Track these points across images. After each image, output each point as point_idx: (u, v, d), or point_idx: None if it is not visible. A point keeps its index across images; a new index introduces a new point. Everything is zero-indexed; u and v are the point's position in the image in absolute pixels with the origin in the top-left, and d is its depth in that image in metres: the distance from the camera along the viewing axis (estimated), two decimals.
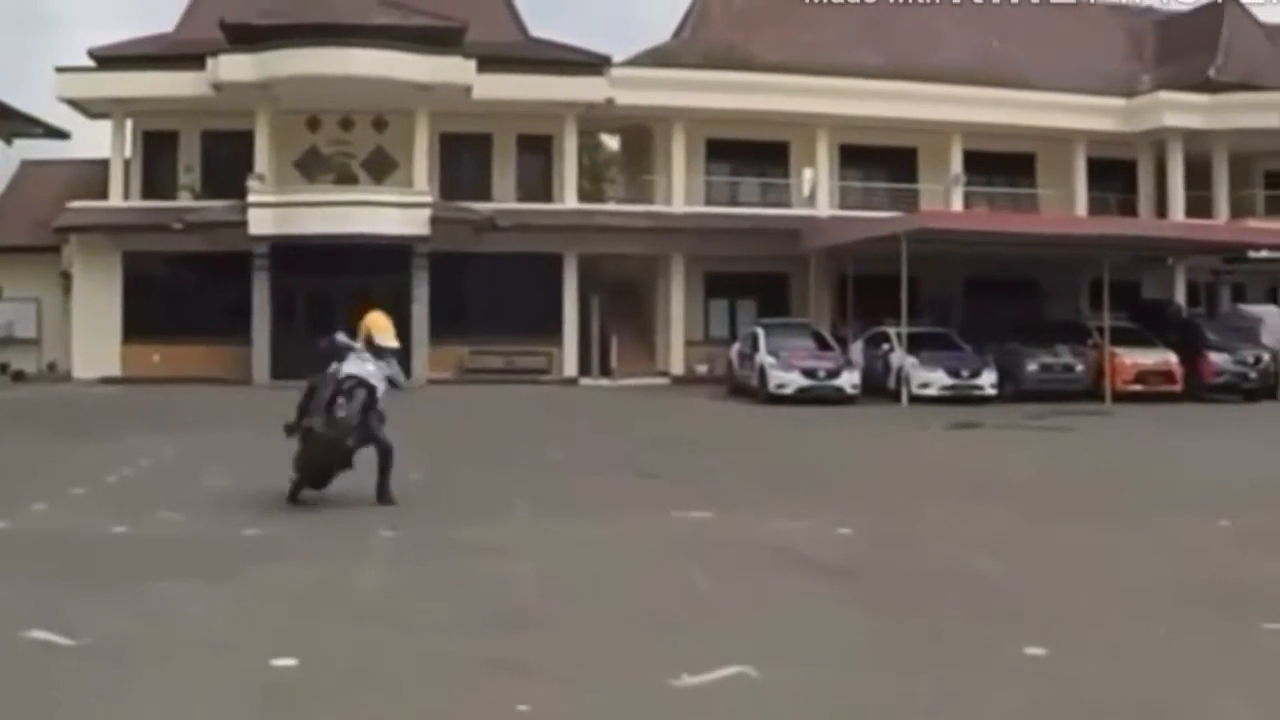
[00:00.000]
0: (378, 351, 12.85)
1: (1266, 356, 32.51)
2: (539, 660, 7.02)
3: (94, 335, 34.62)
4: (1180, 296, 38.97)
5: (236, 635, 7.48)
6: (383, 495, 12.54)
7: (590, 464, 16.87)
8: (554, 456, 17.47)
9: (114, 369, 34.41)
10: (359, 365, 12.60)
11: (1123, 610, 8.47)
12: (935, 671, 6.97)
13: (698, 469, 16.36)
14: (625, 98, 36.76)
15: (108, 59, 35.56)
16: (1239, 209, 40.56)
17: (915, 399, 29.50)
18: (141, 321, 34.69)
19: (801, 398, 29.07)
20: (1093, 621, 8.11)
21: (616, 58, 37.77)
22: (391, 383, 12.81)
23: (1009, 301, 35.78)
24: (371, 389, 12.49)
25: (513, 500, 12.93)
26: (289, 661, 6.80)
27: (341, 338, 13.03)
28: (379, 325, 13.10)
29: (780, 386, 29.53)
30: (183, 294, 34.67)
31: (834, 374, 29.90)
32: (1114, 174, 41.42)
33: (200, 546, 10.28)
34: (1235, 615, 8.23)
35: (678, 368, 37.57)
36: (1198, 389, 31.56)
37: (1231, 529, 11.94)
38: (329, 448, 12.27)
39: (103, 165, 36.55)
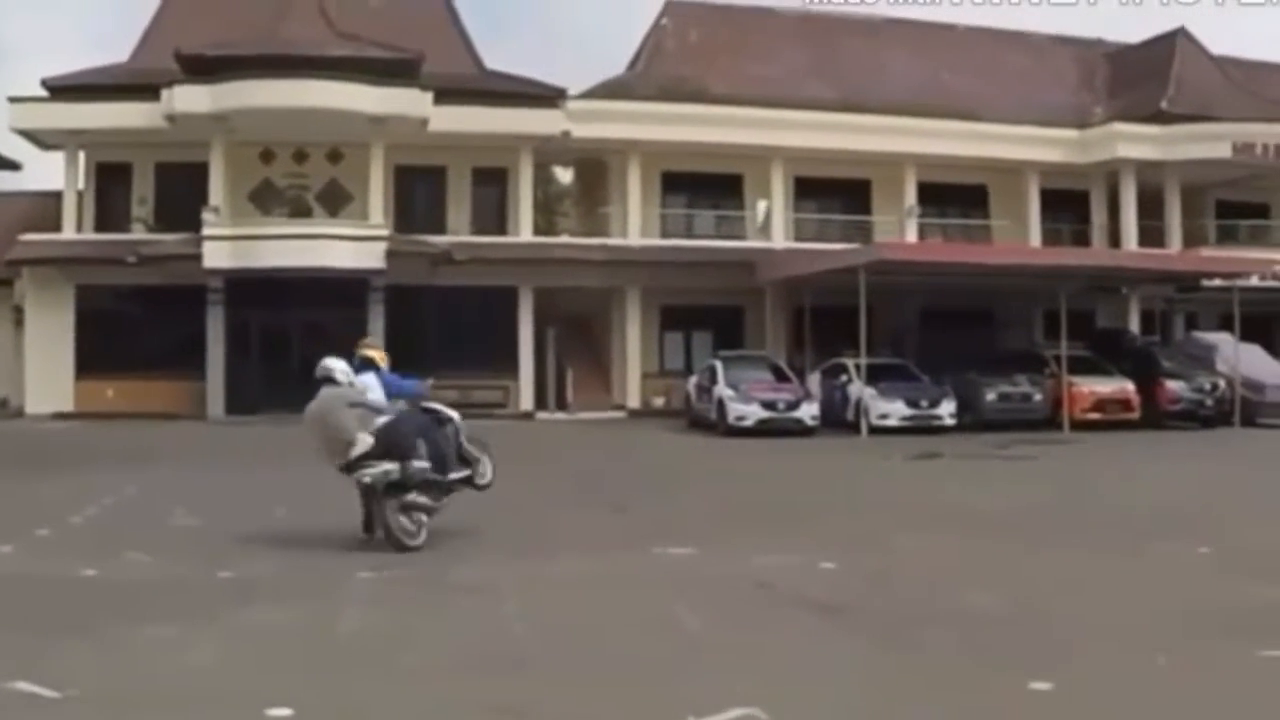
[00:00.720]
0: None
1: (1223, 384, 32.77)
2: (542, 706, 6.86)
3: (46, 370, 34.05)
4: (1134, 325, 39.27)
5: (226, 684, 7.25)
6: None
7: (559, 499, 16.71)
8: (521, 492, 17.25)
9: (67, 404, 33.90)
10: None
11: (1121, 641, 8.40)
12: (944, 708, 6.88)
13: (669, 503, 16.24)
14: (581, 130, 36.70)
15: (61, 89, 35.12)
16: (1191, 239, 40.94)
17: (875, 430, 29.49)
18: (95, 356, 34.10)
19: (761, 430, 29.01)
20: (1093, 654, 8.02)
21: (571, 91, 37.72)
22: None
23: (963, 332, 35.88)
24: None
25: (486, 538, 12.78)
26: (284, 711, 6.58)
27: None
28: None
29: (740, 419, 29.46)
30: (136, 328, 34.14)
31: (793, 406, 29.86)
32: (1067, 205, 41.71)
33: (176, 589, 10.04)
34: (1231, 643, 8.21)
35: (634, 401, 37.43)
36: (1155, 417, 31.77)
37: (1213, 556, 12.03)
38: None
39: (55, 197, 36.05)
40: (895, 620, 9.12)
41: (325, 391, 12.35)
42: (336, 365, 12.54)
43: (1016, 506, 16.25)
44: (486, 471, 12.88)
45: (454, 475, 12.41)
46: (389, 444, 12.00)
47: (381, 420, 12.27)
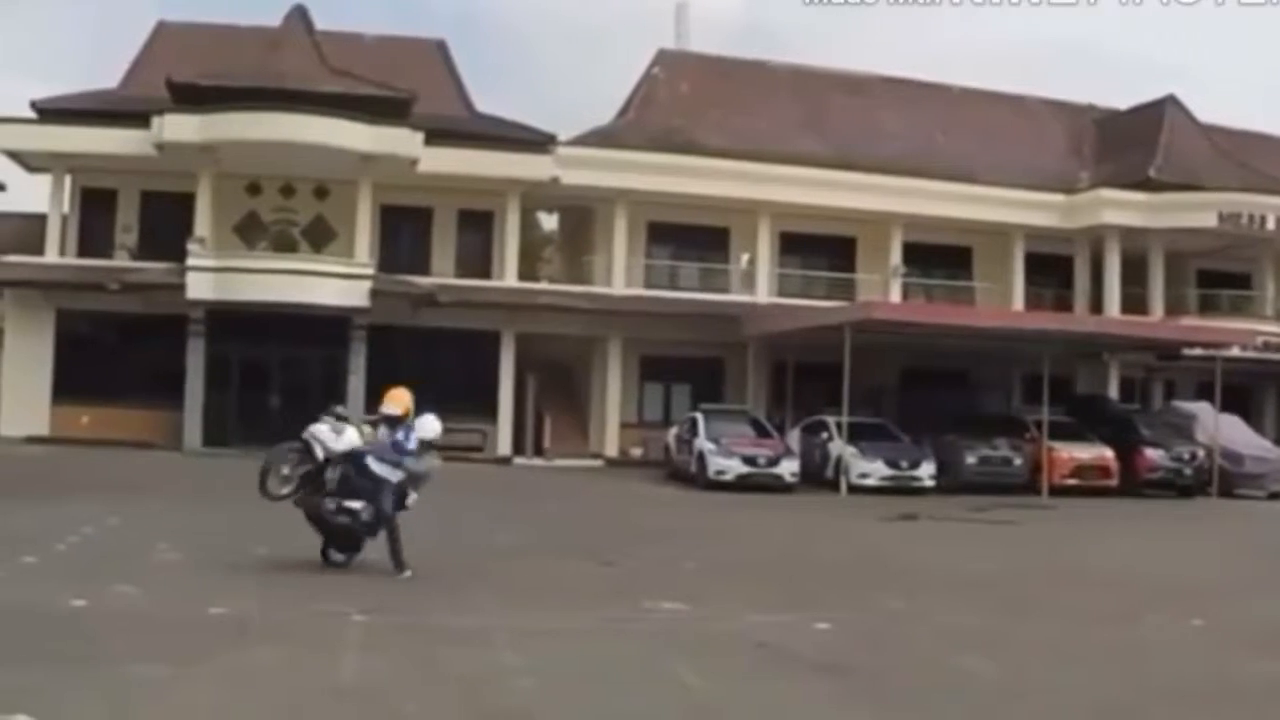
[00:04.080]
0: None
1: (1202, 453, 32.78)
2: None
3: (23, 393, 33.70)
4: (1113, 392, 39.29)
5: None
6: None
7: (544, 549, 16.55)
8: (505, 540, 17.10)
9: (42, 428, 33.47)
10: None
11: (1120, 712, 8.33)
12: None
13: (655, 557, 16.08)
14: (570, 177, 36.63)
15: (50, 111, 35.01)
16: (1173, 307, 41.06)
17: (854, 489, 29.40)
18: (72, 381, 33.77)
19: (741, 484, 28.86)
20: None
21: (558, 137, 37.71)
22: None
23: (942, 393, 35.94)
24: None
25: (476, 586, 12.66)
26: None
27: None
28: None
29: (720, 473, 29.33)
30: (115, 355, 33.85)
31: (774, 462, 29.75)
32: (1051, 269, 41.80)
33: (169, 625, 9.89)
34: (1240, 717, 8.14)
35: (612, 450, 37.26)
36: (1133, 484, 31.72)
37: (1206, 629, 11.98)
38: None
39: (40, 220, 35.78)
40: (899, 685, 9.04)
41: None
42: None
43: (1003, 571, 16.20)
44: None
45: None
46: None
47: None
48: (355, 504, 13.21)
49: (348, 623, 10.34)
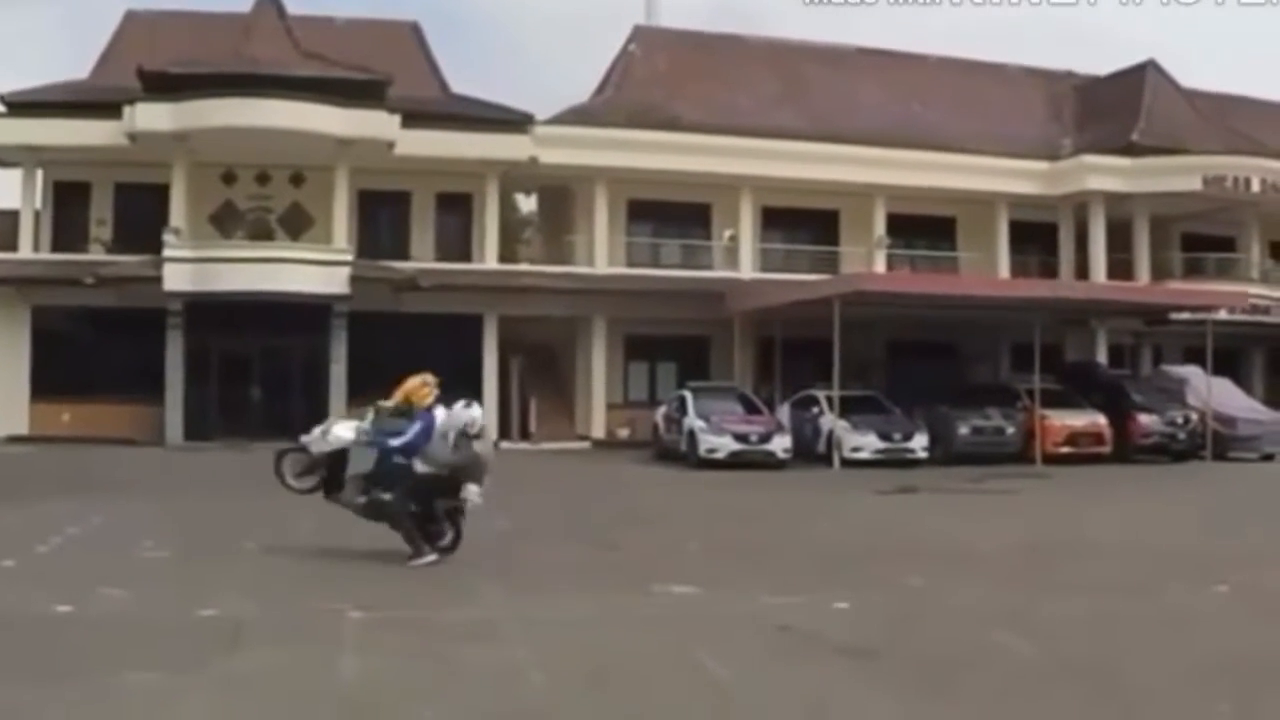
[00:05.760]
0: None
1: (1195, 417, 32.53)
2: None
3: (0, 392, 33.17)
4: (1102, 358, 39.03)
5: None
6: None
7: (543, 534, 16.11)
8: (502, 525, 16.60)
9: (21, 427, 32.83)
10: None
11: (1177, 687, 8.01)
12: None
13: (657, 539, 15.64)
14: (549, 156, 36.14)
15: (20, 104, 34.36)
16: (1158, 272, 40.81)
17: (847, 463, 29.06)
18: (50, 378, 33.16)
19: (733, 462, 28.48)
20: (1145, 700, 7.58)
21: (535, 117, 37.19)
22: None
23: (929, 365, 35.65)
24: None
25: (475, 575, 12.20)
26: None
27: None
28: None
29: (712, 451, 28.93)
30: (93, 350, 33.22)
31: (766, 438, 29.35)
32: (1035, 237, 41.46)
33: (158, 630, 9.36)
34: None
35: (598, 431, 36.84)
36: (1127, 450, 31.45)
37: (1232, 596, 11.66)
38: None
39: (12, 216, 35.10)
40: (932, 666, 8.61)
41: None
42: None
43: (1014, 543, 15.81)
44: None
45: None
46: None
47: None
48: (385, 495, 12.96)
49: (345, 620, 9.81)
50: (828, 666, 8.61)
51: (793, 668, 8.57)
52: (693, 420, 29.79)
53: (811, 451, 30.20)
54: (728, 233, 39.15)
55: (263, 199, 36.43)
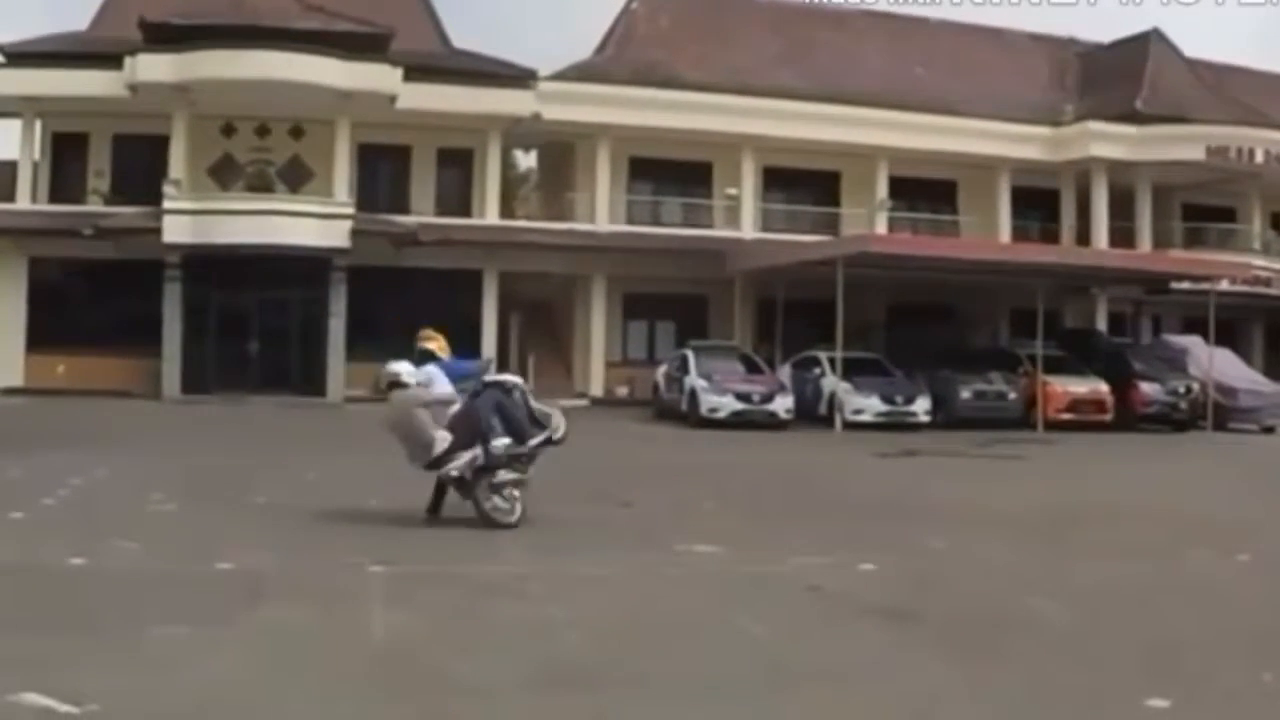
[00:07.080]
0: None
1: (1196, 387, 32.42)
2: None
3: None
4: (1102, 325, 38.93)
5: (258, 699, 6.38)
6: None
7: (555, 492, 15.68)
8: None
9: (16, 379, 32.52)
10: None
11: (1214, 654, 7.84)
12: None
13: (670, 498, 15.45)
14: (551, 113, 35.85)
15: (18, 55, 33.94)
16: (1159, 241, 40.65)
17: (849, 425, 28.92)
18: (47, 330, 32.87)
19: (734, 422, 28.37)
20: (1192, 667, 7.45)
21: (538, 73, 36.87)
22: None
23: (931, 329, 35.53)
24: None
25: (492, 531, 12.01)
26: None
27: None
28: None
29: (713, 410, 28.80)
30: (91, 302, 33.02)
31: (768, 398, 29.25)
32: (1037, 203, 41.29)
33: (176, 583, 9.15)
34: None
35: (597, 389, 36.67)
36: (1128, 419, 31.37)
37: (1255, 564, 11.55)
38: None
39: (10, 166, 34.74)
40: (971, 628, 8.46)
41: (395, 395, 12.49)
42: (402, 369, 12.65)
43: (1029, 507, 15.68)
44: (560, 424, 12.78)
45: (533, 441, 12.42)
46: (467, 431, 12.11)
47: (454, 410, 12.33)
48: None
49: (367, 574, 9.63)
50: (867, 628, 8.44)
51: (832, 629, 8.41)
52: (694, 379, 29.65)
53: (813, 413, 30.10)
54: (730, 191, 38.91)
55: (263, 151, 36.07)
